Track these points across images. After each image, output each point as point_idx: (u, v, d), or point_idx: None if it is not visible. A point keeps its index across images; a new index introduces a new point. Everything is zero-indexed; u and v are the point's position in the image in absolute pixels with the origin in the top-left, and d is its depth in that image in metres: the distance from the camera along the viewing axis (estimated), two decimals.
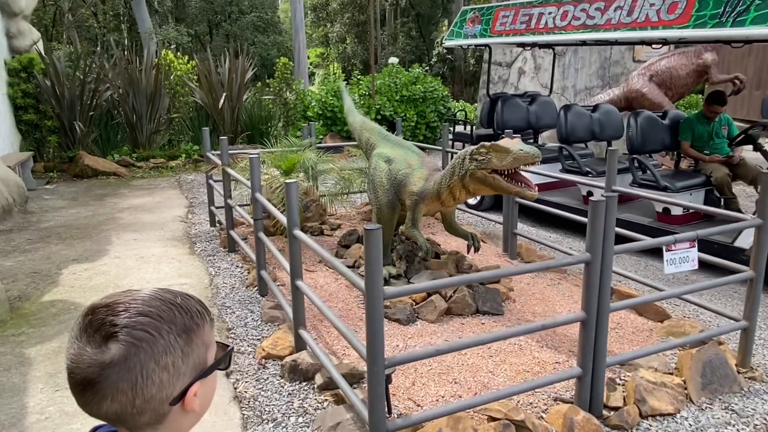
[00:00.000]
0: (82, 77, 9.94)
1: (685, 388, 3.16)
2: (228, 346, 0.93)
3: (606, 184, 4.28)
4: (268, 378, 3.34)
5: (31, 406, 3.07)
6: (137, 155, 10.50)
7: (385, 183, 4.49)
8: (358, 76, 13.51)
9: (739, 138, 5.49)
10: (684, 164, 6.44)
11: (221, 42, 21.24)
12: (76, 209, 7.34)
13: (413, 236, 4.34)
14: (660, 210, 5.55)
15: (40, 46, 10.45)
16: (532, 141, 7.71)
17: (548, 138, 8.96)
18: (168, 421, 0.83)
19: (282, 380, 3.31)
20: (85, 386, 0.78)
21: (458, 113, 11.74)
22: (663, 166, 6.85)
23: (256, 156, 4.20)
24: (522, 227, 6.50)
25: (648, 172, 5.71)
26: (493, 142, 3.68)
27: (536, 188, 3.58)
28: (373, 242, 2.25)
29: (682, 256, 3.04)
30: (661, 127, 5.95)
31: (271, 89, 11.81)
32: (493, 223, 6.21)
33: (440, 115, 12.80)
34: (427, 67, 24.77)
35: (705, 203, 5.67)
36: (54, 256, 5.49)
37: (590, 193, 6.24)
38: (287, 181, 3.23)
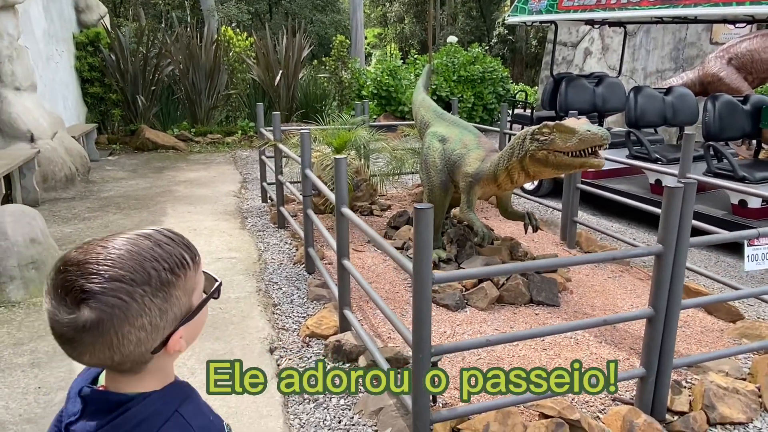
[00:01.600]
0: (145, 52, 10.17)
1: (760, 396, 2.87)
2: (216, 280, 0.91)
3: (680, 172, 3.95)
4: (311, 357, 3.27)
5: (78, 369, 3.13)
6: (195, 130, 10.69)
7: (438, 163, 4.32)
8: (415, 56, 13.26)
9: None
10: (764, 154, 5.93)
11: (280, 20, 21.35)
12: (135, 180, 7.53)
13: (469, 220, 4.15)
14: (736, 202, 5.13)
15: (107, 21, 10.75)
16: (597, 125, 7.30)
17: (614, 123, 8.50)
18: (152, 363, 0.84)
19: (325, 360, 3.24)
20: (64, 342, 0.78)
21: (518, 95, 11.33)
22: (739, 156, 6.34)
23: (307, 132, 4.11)
24: (582, 215, 6.18)
25: (724, 160, 5.28)
26: (557, 122, 3.44)
27: (603, 156, 3.31)
28: (423, 223, 2.11)
29: (765, 252, 2.74)
30: (742, 113, 5.47)
31: (327, 68, 11.74)
32: (552, 209, 5.93)
33: (498, 96, 12.41)
34: (487, 48, 24.14)
35: None
36: (111, 224, 5.63)
37: (659, 182, 5.84)
38: (336, 156, 3.12)
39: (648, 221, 5.98)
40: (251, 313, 3.76)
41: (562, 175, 4.94)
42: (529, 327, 3.62)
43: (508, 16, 7.29)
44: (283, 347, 3.38)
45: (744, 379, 3.01)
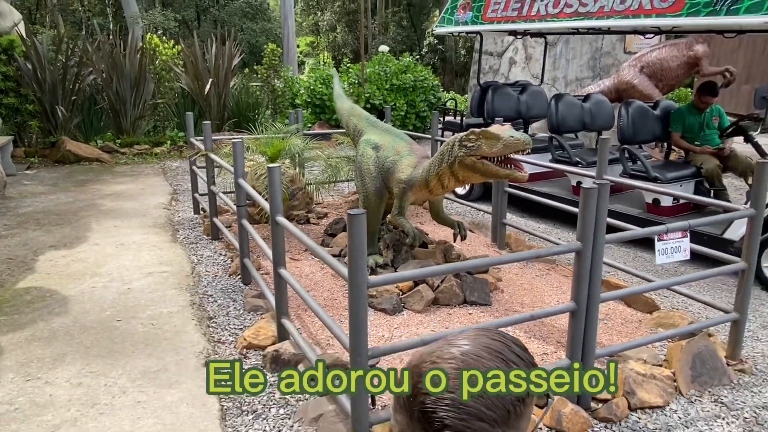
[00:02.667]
0: (64, 60, 9.70)
1: (675, 381, 3.11)
2: (549, 397, 0.85)
3: (597, 174, 4.21)
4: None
5: (0, 396, 2.95)
6: (121, 141, 10.28)
7: (372, 170, 4.39)
8: (348, 65, 13.35)
9: (730, 129, 5.45)
10: (674, 155, 6.39)
11: (209, 28, 20.89)
12: (56, 195, 7.16)
13: (400, 224, 4.24)
14: (650, 201, 5.50)
15: (21, 28, 10.17)
16: (522, 131, 7.62)
17: (538, 129, 8.89)
18: None
19: (263, 371, 3.21)
20: None
21: (449, 103, 11.63)
22: (653, 158, 6.80)
23: (240, 141, 4.08)
24: (511, 217, 6.44)
25: (638, 162, 5.65)
26: (483, 129, 3.59)
27: (526, 171, 3.50)
28: (356, 228, 2.16)
29: (674, 246, 2.98)
30: (652, 118, 5.89)
31: (259, 76, 11.62)
32: (482, 213, 6.13)
33: (430, 104, 12.68)
34: (418, 57, 24.59)
35: (695, 194, 5.63)
36: (31, 242, 5.33)
37: (580, 183, 6.18)
38: (270, 165, 3.12)
39: (572, 221, 6.29)
40: (185, 327, 3.68)
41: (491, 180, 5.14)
42: (463, 326, 3.73)
43: (436, 26, 7.50)
44: (219, 360, 3.32)
45: (660, 366, 3.24)
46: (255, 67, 11.92)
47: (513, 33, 7.36)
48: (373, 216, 4.46)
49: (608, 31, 6.30)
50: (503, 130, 3.52)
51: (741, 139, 5.71)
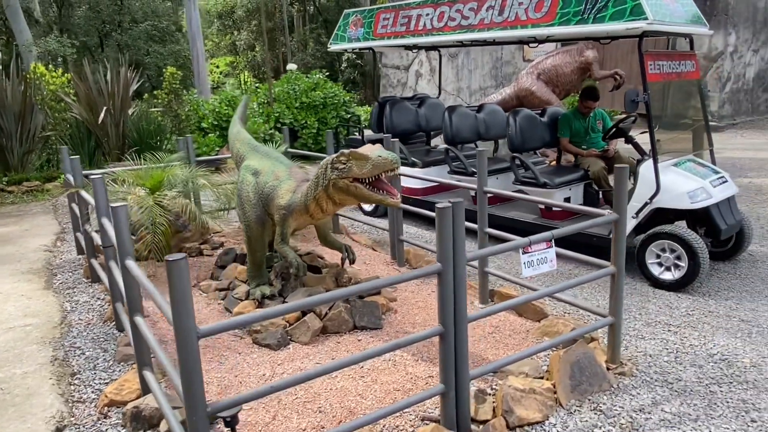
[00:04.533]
0: None
1: (555, 392, 3.08)
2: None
3: (477, 185, 4.20)
4: (107, 430, 2.94)
5: None
6: (8, 179, 9.53)
7: (252, 197, 4.19)
8: (256, 84, 13.07)
9: (612, 131, 5.64)
10: (565, 161, 6.57)
11: (113, 53, 20.00)
12: None
13: (283, 252, 4.06)
14: (543, 206, 5.60)
15: None
16: (423, 143, 7.65)
17: (441, 141, 8.97)
18: None
19: (124, 431, 2.92)
20: None
21: (350, 118, 11.57)
22: (553, 162, 6.96)
23: (100, 177, 3.77)
24: (416, 231, 6.40)
25: (529, 170, 5.74)
26: (352, 150, 3.49)
27: (398, 195, 3.43)
28: (176, 276, 1.96)
29: (540, 258, 2.96)
30: (540, 125, 6.02)
31: (159, 101, 11.13)
32: (382, 230, 6.04)
33: (343, 120, 12.60)
34: (339, 72, 24.58)
35: (584, 197, 5.79)
36: None
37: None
38: (113, 205, 2.86)
39: (474, 232, 6.31)
40: (40, 388, 3.32)
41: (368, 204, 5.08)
42: (351, 354, 3.58)
43: (331, 44, 7.42)
44: (76, 424, 3.00)
45: (542, 378, 3.21)
46: (155, 92, 11.41)
47: (405, 47, 7.37)
48: (256, 245, 4.25)
49: (493, 43, 6.41)
50: (372, 150, 3.42)
51: (623, 140, 5.91)
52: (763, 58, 14.30)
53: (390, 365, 3.43)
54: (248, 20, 29.91)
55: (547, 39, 5.63)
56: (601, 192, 5.73)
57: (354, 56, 25.28)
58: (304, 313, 3.89)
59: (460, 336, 2.70)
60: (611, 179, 5.75)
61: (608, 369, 3.33)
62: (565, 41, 8.35)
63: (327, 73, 14.37)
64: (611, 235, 4.97)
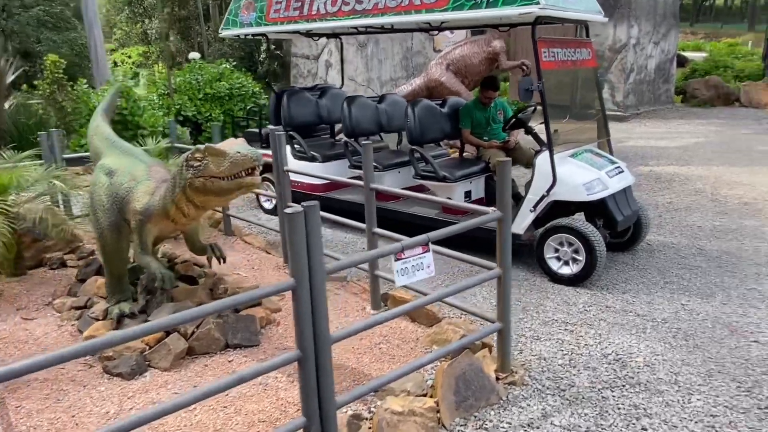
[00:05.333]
0: None
1: (438, 411, 2.79)
2: None
3: (364, 182, 3.85)
4: None
5: None
6: None
7: (105, 201, 3.63)
8: (156, 74, 12.15)
9: (511, 122, 5.48)
10: (468, 153, 6.36)
11: None
12: None
13: (144, 263, 3.55)
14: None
15: None
16: (327, 136, 7.24)
17: None
18: None
19: None
20: None
21: (250, 109, 10.95)
22: (456, 154, 6.74)
23: None
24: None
25: (429, 163, 5.47)
26: (208, 145, 3.04)
27: (257, 174, 2.99)
28: None
29: (416, 264, 2.64)
30: (440, 116, 5.77)
31: (40, 92, 10.06)
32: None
33: (252, 112, 11.96)
34: (258, 65, 23.60)
35: (486, 189, 5.60)
36: None
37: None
38: None
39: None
40: None
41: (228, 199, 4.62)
42: (218, 380, 3.14)
43: (222, 29, 6.84)
44: None
45: (424, 395, 2.91)
46: (36, 83, 10.31)
47: (299, 34, 6.91)
48: (113, 255, 3.71)
49: (392, 30, 6.10)
50: (231, 145, 2.99)
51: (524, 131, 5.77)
52: (663, 51, 14.95)
53: (260, 390, 3.02)
54: (160, 8, 28.24)
55: (442, 25, 5.37)
56: None
57: (274, 47, 24.45)
58: (168, 333, 3.41)
59: (323, 361, 2.33)
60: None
61: (498, 379, 3.09)
62: (463, 28, 8.18)
63: (233, 64, 13.61)
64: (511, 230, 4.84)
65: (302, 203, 2.23)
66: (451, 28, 6.63)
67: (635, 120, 13.57)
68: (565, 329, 3.81)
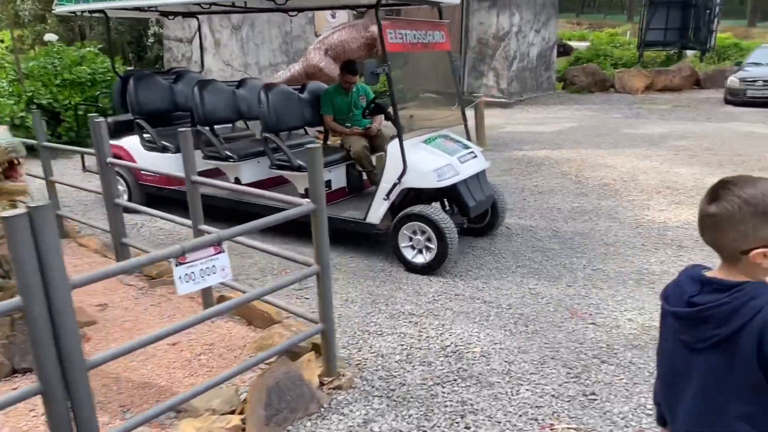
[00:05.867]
0: None
1: (244, 429, 2.50)
2: None
3: (186, 174, 3.45)
4: None
5: None
6: None
7: None
8: (5, 57, 10.88)
9: (369, 108, 5.27)
10: (334, 140, 6.10)
11: None
12: None
13: None
14: (303, 192, 5.06)
15: None
16: (189, 125, 6.69)
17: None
18: (742, 264, 1.25)
19: None
20: (699, 224, 1.30)
21: (96, 96, 10.08)
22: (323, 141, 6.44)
23: None
24: (172, 228, 5.48)
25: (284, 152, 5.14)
26: None
27: (20, 175, 2.56)
28: None
29: (206, 267, 2.32)
30: (299, 102, 5.46)
31: None
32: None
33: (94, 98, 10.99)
34: (147, 50, 22.00)
35: (348, 179, 5.36)
36: None
37: (238, 180, 5.51)
38: None
39: (224, 218, 5.63)
40: None
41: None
42: None
43: (56, 5, 6.08)
44: None
45: (233, 412, 2.61)
46: None
47: (144, 10, 6.30)
48: None
49: (232, 10, 5.67)
50: None
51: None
52: (544, 39, 15.48)
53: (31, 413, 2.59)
54: None
55: (287, 4, 5.03)
56: (365, 173, 5.35)
57: (160, 29, 22.92)
58: None
59: (77, 393, 1.96)
60: (375, 159, 5.41)
61: (322, 384, 2.85)
62: (308, 9, 7.85)
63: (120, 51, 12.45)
64: (366, 219, 4.64)
65: (30, 205, 1.83)
66: (296, 9, 6.29)
67: (519, 106, 13.98)
68: (410, 321, 3.65)
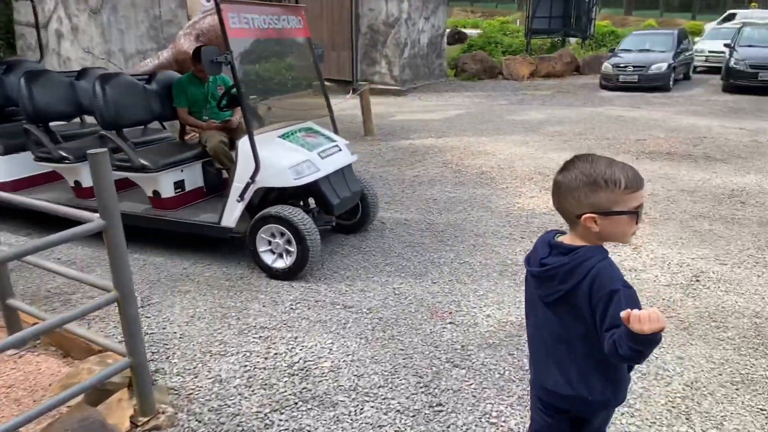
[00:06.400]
0: None
1: None
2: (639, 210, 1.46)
3: None
4: None
5: None
6: None
7: None
8: None
9: (224, 99, 4.84)
10: (193, 136, 5.59)
11: None
12: None
13: None
14: (150, 194, 4.56)
15: None
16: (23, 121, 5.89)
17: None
18: (579, 228, 1.52)
19: None
20: (552, 188, 1.57)
21: None
22: (191, 135, 5.89)
23: None
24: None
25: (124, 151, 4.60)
26: None
27: None
28: None
29: None
30: (145, 94, 4.91)
31: None
32: None
33: None
34: (14, 36, 19.68)
35: (204, 178, 4.90)
36: None
37: (78, 183, 4.89)
38: None
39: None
40: None
41: None
42: None
43: None
44: None
45: None
46: None
47: None
48: None
49: None
50: None
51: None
52: (434, 26, 15.53)
53: None
54: None
55: None
56: (223, 171, 4.92)
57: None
58: None
59: None
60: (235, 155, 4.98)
61: (136, 427, 2.46)
62: None
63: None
64: (221, 223, 4.23)
65: None
66: None
67: (412, 94, 13.93)
68: (260, 336, 3.32)
